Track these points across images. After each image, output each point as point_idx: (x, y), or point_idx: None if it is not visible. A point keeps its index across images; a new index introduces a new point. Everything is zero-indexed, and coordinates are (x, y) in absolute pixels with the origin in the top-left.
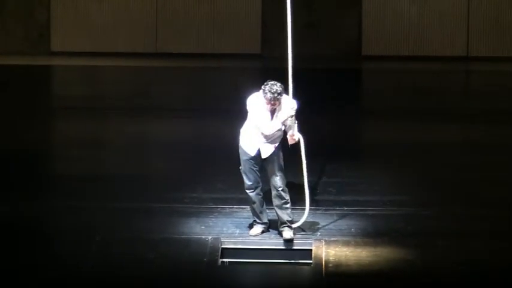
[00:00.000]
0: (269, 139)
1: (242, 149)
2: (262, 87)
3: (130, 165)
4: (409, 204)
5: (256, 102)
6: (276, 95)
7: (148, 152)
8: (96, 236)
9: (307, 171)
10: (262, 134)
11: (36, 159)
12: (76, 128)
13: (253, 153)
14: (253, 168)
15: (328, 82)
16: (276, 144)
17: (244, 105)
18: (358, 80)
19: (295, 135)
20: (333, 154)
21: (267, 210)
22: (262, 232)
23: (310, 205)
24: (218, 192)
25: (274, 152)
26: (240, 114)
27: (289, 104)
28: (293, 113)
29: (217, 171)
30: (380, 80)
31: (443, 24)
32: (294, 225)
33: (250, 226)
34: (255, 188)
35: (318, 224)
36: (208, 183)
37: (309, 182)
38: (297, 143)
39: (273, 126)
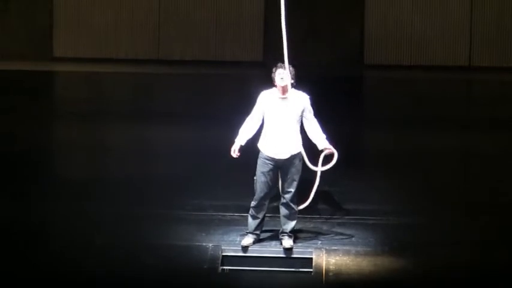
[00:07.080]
0: (284, 138)
1: (262, 159)
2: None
3: (131, 171)
4: (409, 213)
5: (266, 97)
6: (280, 65)
7: (150, 158)
8: (96, 240)
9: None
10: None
11: (37, 163)
12: (77, 133)
13: (273, 155)
14: (268, 182)
15: (330, 90)
16: (296, 146)
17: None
18: (360, 88)
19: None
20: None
21: (267, 219)
22: (253, 243)
23: (312, 213)
24: (219, 200)
25: (293, 162)
26: (243, 121)
27: (302, 97)
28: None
29: (219, 178)
30: (382, 89)
31: (446, 34)
32: (299, 207)
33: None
34: (263, 202)
35: (318, 232)
36: (210, 190)
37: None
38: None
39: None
